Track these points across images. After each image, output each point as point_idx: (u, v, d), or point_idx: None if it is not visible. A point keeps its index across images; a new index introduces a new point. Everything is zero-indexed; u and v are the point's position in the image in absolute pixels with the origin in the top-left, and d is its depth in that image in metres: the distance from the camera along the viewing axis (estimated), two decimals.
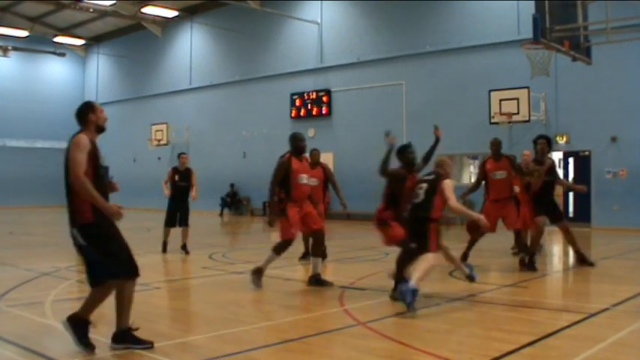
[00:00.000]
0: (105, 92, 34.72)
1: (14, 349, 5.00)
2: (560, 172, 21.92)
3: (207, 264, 10.35)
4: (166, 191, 11.96)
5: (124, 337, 4.97)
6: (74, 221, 4.83)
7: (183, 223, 11.89)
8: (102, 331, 5.65)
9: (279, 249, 7.88)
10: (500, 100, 18.17)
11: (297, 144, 8.19)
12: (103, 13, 28.86)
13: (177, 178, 11.82)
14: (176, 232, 11.92)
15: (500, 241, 14.24)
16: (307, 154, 10.24)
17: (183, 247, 11.81)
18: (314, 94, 24.30)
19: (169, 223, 12.01)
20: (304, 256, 10.39)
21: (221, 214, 26.21)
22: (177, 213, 11.97)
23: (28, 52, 31.38)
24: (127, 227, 15.89)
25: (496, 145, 9.94)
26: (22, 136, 32.74)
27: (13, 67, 32.54)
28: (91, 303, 4.96)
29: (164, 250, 11.99)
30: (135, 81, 32.78)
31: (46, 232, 17.94)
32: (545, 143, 9.53)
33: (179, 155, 12.23)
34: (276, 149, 27.20)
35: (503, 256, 11.36)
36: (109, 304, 5.96)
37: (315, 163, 10.31)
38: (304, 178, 7.99)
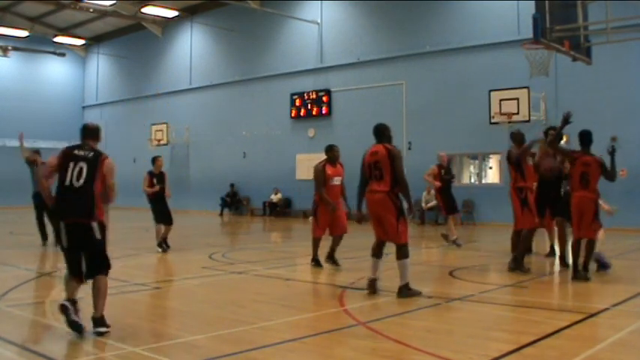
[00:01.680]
0: (105, 92, 34.73)
1: (14, 349, 5.00)
2: None
3: (207, 264, 10.35)
4: (151, 190, 12.41)
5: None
6: (94, 216, 5.44)
7: (169, 221, 12.37)
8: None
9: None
10: (500, 100, 18.16)
11: (390, 133, 7.84)
12: (103, 13, 28.85)
13: (154, 181, 12.37)
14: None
15: (499, 241, 14.23)
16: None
17: (162, 244, 12.30)
18: (314, 94, 24.29)
19: (163, 220, 12.43)
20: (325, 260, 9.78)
21: (221, 214, 26.21)
22: (163, 212, 12.49)
23: (28, 52, 31.35)
24: (126, 227, 15.92)
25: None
26: None
27: (13, 67, 32.52)
28: (104, 294, 5.54)
29: (164, 248, 12.24)
30: (135, 81, 32.78)
31: (47, 232, 17.91)
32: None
33: (156, 159, 12.70)
34: (276, 149, 27.52)
35: (503, 256, 11.36)
36: (107, 303, 5.97)
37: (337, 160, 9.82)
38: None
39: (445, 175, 13.20)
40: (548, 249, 10.97)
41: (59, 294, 7.47)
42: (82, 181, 5.43)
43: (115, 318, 6.40)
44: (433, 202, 20.18)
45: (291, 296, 7.53)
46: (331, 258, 9.71)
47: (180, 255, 11.92)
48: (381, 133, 7.52)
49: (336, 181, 9.58)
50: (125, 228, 16.76)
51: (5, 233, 17.35)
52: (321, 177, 9.46)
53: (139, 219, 21.95)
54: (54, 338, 5.45)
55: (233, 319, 6.12)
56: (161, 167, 12.58)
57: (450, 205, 13.21)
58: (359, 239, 14.76)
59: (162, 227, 12.42)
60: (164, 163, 13.38)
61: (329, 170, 9.46)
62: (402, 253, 7.13)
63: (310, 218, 9.78)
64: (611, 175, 8.60)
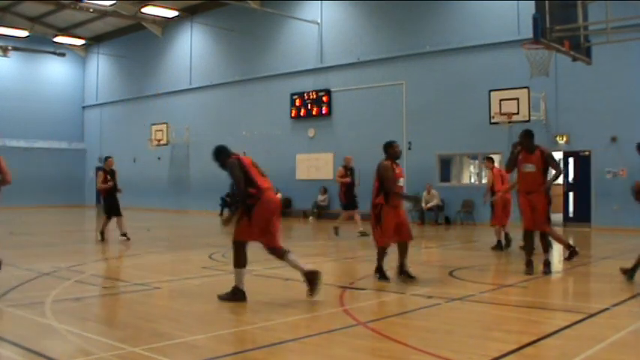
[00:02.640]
0: (105, 92, 34.73)
1: (14, 349, 5.00)
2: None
3: (207, 264, 10.35)
4: (105, 186, 14.13)
5: None
6: None
7: (119, 213, 14.12)
8: (101, 331, 5.66)
9: None
10: (500, 100, 18.16)
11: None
12: (103, 13, 28.83)
13: (108, 177, 14.18)
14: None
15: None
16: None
17: (125, 235, 13.90)
18: (314, 94, 24.29)
19: (115, 212, 14.15)
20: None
21: (221, 214, 26.19)
22: (114, 206, 14.17)
23: (28, 52, 31.33)
24: (126, 227, 15.74)
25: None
26: (22, 136, 32.69)
27: (13, 67, 32.51)
28: None
29: (104, 238, 13.80)
30: (135, 81, 32.78)
31: (47, 232, 17.94)
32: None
33: (107, 158, 14.58)
34: (276, 149, 27.58)
35: (503, 256, 11.37)
36: (105, 303, 6.00)
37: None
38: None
39: (350, 175, 15.21)
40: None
41: (59, 294, 7.50)
42: None
43: (115, 318, 6.41)
44: (433, 202, 20.21)
45: (291, 296, 7.53)
46: (404, 271, 8.39)
47: (180, 255, 11.92)
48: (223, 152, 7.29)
49: (401, 182, 8.51)
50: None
51: (5, 233, 17.34)
52: (391, 174, 8.29)
53: (140, 219, 21.95)
54: (54, 338, 5.45)
55: (233, 319, 6.12)
56: (112, 165, 14.41)
57: (351, 202, 15.23)
58: (359, 239, 14.77)
59: (105, 219, 14.18)
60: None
61: (396, 169, 8.39)
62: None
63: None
64: None
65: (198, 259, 11.02)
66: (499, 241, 12.11)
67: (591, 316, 6.17)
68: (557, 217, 19.33)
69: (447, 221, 20.41)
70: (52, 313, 6.24)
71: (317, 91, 24.21)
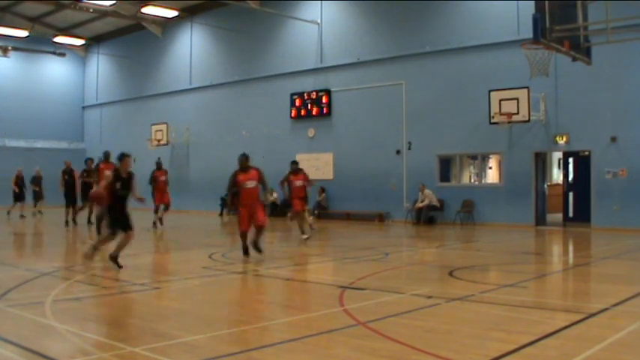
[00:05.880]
0: (105, 92, 34.72)
1: (14, 349, 5.00)
2: (561, 172, 21.93)
3: (207, 264, 10.35)
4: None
5: None
6: None
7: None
8: (101, 331, 5.66)
9: None
10: (500, 100, 18.15)
11: None
12: (103, 13, 28.82)
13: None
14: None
15: (499, 241, 14.26)
16: None
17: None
18: (314, 94, 24.28)
19: None
20: None
21: (221, 214, 26.20)
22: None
23: (28, 52, 31.30)
24: None
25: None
26: (22, 136, 32.66)
27: (13, 67, 32.48)
28: None
29: None
30: (135, 81, 32.77)
31: (47, 232, 17.94)
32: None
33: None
34: (276, 149, 27.51)
35: (504, 256, 11.37)
36: (105, 303, 6.00)
37: None
38: None
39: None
40: None
41: (59, 294, 7.50)
42: None
43: (115, 318, 6.41)
44: (425, 202, 20.15)
45: (291, 296, 7.53)
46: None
47: (180, 255, 11.91)
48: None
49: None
50: None
51: (5, 233, 17.34)
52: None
53: (140, 219, 21.90)
54: (54, 338, 5.45)
55: (233, 319, 6.13)
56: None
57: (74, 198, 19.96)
58: (359, 239, 14.81)
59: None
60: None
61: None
62: None
63: None
64: None
65: (198, 259, 11.03)
66: None
67: (591, 316, 6.17)
68: (557, 217, 19.36)
69: (430, 221, 20.17)
70: (52, 313, 6.24)
71: (317, 91, 24.21)
